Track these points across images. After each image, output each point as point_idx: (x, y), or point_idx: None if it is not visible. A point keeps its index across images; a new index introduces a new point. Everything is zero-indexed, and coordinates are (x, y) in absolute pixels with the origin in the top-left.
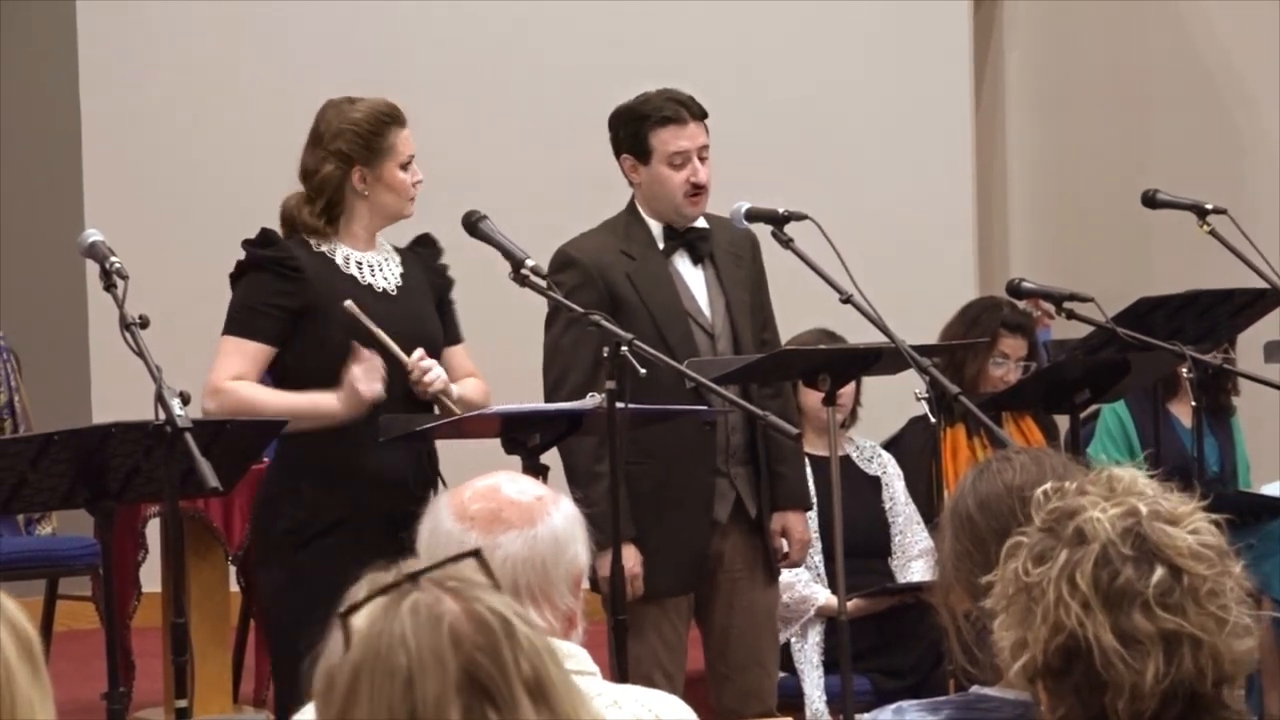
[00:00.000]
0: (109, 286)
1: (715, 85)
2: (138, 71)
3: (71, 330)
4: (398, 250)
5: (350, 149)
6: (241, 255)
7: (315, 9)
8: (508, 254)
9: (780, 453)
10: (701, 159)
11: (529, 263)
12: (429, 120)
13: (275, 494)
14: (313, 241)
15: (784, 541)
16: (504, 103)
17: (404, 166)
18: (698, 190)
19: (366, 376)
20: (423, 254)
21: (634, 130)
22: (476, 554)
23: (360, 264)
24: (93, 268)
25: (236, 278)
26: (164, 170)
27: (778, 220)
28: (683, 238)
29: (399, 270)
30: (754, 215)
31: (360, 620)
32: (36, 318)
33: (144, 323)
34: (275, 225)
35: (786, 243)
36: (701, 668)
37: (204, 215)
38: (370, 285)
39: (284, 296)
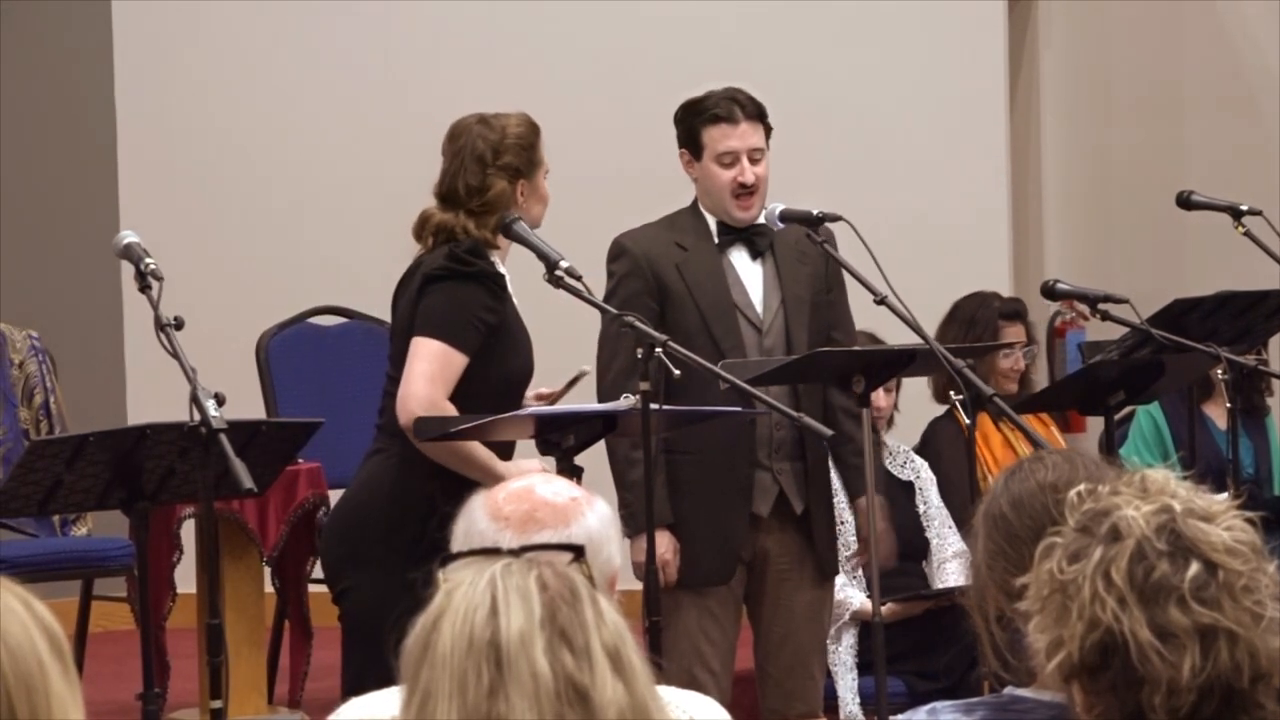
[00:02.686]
0: (144, 288)
1: (746, 86)
2: (173, 72)
3: (107, 331)
4: None
5: (519, 162)
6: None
7: (350, 9)
8: (542, 255)
9: (855, 446)
10: (753, 160)
11: (563, 264)
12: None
13: (402, 497)
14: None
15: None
16: (536, 103)
17: (545, 175)
18: (744, 190)
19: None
20: None
21: (689, 126)
22: (579, 551)
23: (510, 282)
24: (128, 269)
25: (439, 279)
26: (199, 171)
27: (811, 222)
28: (740, 233)
29: None
30: (788, 217)
31: (452, 570)
32: (72, 319)
33: (179, 324)
34: (314, 230)
35: (820, 244)
36: (753, 667)
37: (239, 216)
38: (515, 304)
39: (490, 312)
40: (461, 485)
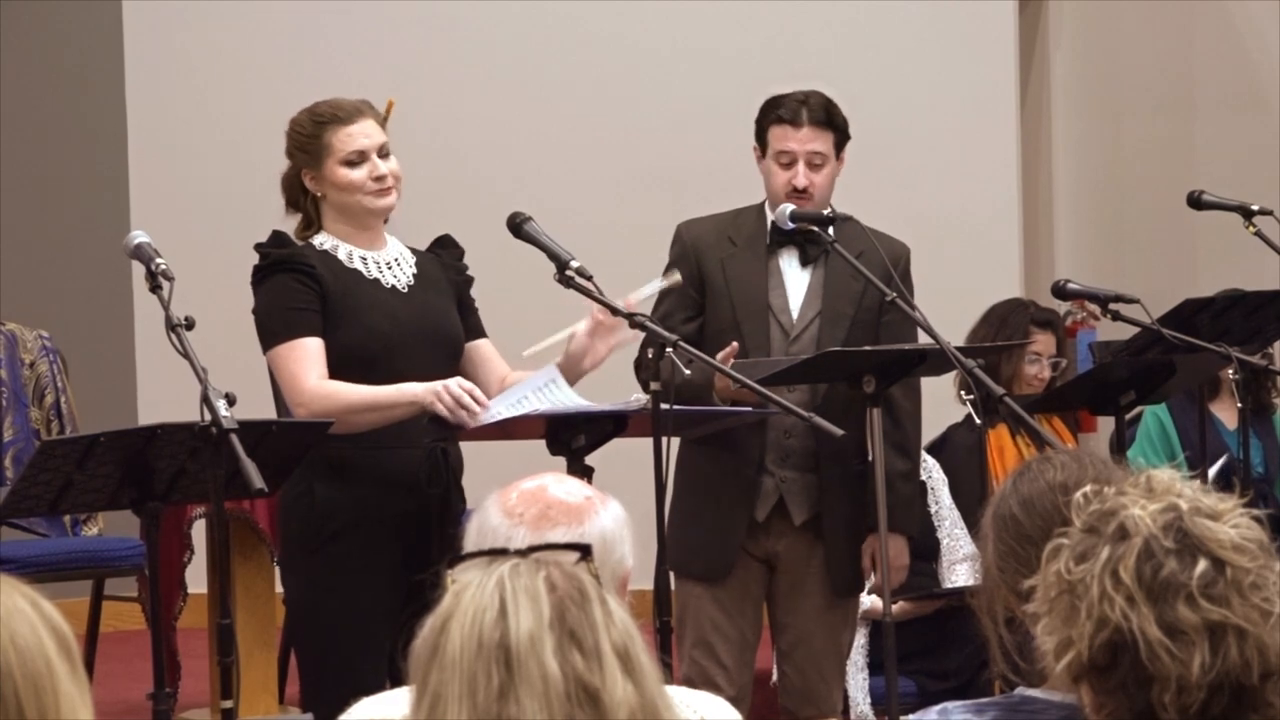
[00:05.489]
0: (154, 288)
1: (759, 85)
2: (184, 72)
3: (117, 331)
4: (415, 251)
5: (291, 152)
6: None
7: (360, 9)
8: (553, 255)
9: (888, 479)
10: (811, 165)
11: (573, 264)
12: (473, 120)
13: (290, 498)
14: (316, 240)
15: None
16: (549, 102)
17: (350, 163)
18: (797, 193)
19: (472, 403)
20: (442, 255)
21: (760, 121)
22: (585, 550)
23: (365, 259)
24: (138, 269)
25: (257, 284)
26: (210, 171)
27: (822, 222)
28: (792, 237)
29: (412, 271)
30: (799, 217)
31: (460, 571)
32: (83, 319)
33: (189, 324)
34: None
35: (831, 244)
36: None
37: (250, 216)
38: (378, 280)
39: (305, 289)
40: (334, 471)
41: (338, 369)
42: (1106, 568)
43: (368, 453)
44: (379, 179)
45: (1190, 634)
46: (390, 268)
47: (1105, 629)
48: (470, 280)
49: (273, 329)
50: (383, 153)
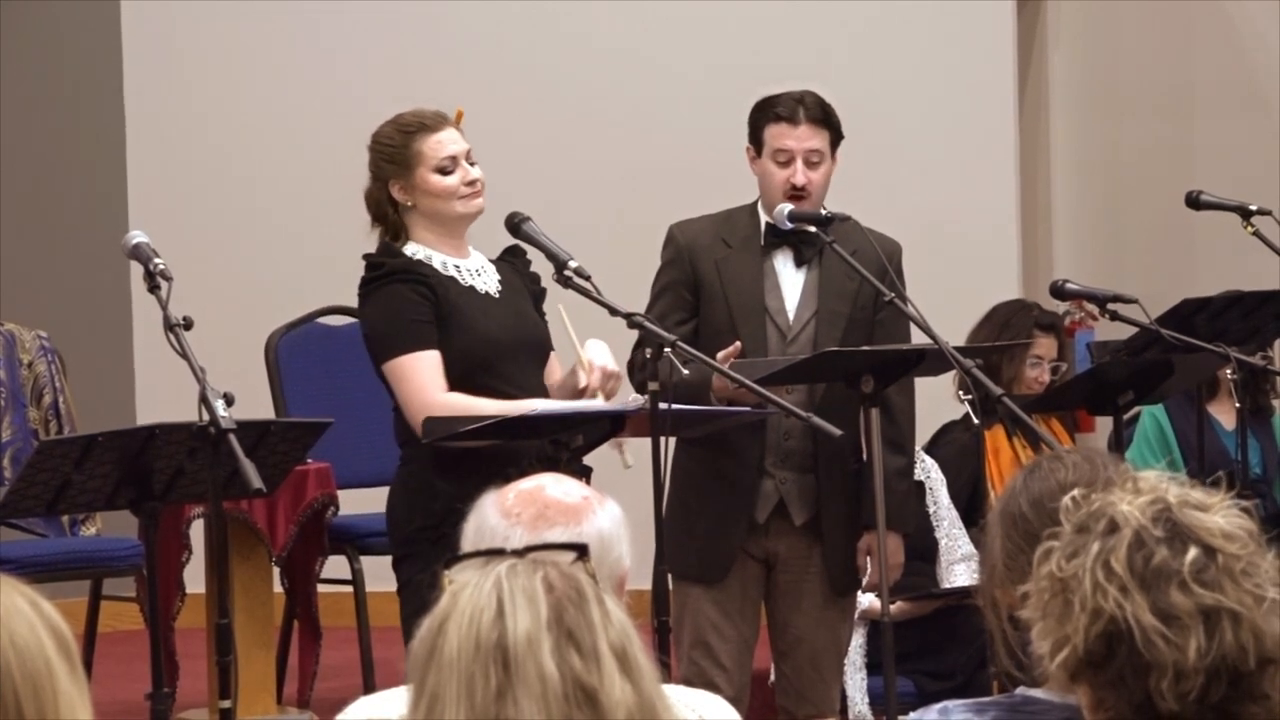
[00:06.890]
0: (153, 288)
1: (758, 85)
2: (182, 72)
3: (116, 332)
4: (490, 260)
5: (377, 166)
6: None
7: (363, 9)
8: (551, 255)
9: (884, 477)
10: (809, 163)
11: (572, 264)
12: (472, 120)
13: (410, 490)
14: (408, 250)
15: (868, 561)
16: (548, 102)
17: (443, 170)
18: (796, 192)
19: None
20: (514, 262)
21: (755, 121)
22: (583, 550)
23: (458, 267)
24: (137, 269)
25: (362, 297)
26: (208, 172)
27: (821, 222)
28: (786, 238)
29: (497, 278)
30: (797, 217)
31: (457, 572)
32: (81, 319)
33: (188, 324)
34: (323, 230)
35: (829, 244)
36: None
37: (248, 216)
38: (472, 287)
39: (426, 303)
40: (455, 465)
41: (460, 376)
42: (1098, 560)
43: (481, 446)
44: (470, 184)
45: (1184, 619)
46: (479, 274)
47: (1100, 620)
48: (544, 291)
49: (394, 339)
50: (469, 159)
